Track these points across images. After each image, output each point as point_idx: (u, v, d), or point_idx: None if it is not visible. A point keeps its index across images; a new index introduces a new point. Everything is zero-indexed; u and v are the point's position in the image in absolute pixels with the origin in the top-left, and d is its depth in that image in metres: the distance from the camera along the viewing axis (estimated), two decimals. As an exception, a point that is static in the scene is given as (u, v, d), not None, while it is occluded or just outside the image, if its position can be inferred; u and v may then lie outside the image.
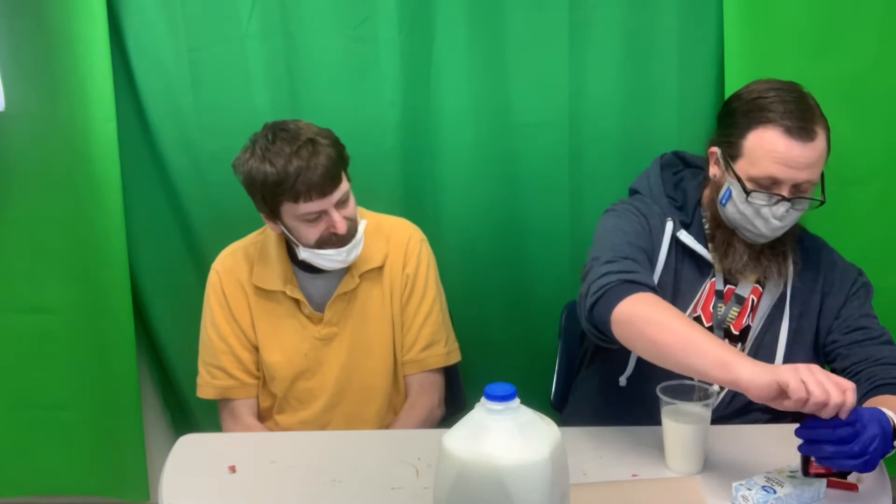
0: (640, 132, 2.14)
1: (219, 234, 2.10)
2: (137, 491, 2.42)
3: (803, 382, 1.26)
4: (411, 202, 2.21)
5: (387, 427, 1.91)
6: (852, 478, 1.40)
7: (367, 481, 1.49)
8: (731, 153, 1.62)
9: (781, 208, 1.57)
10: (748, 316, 1.70)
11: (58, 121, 2.12)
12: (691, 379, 1.47)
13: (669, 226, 1.70)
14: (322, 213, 1.72)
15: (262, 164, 1.69)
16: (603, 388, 1.82)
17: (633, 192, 1.81)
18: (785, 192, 1.57)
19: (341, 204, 1.74)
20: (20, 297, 2.26)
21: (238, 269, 1.86)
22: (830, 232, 1.85)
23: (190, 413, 2.43)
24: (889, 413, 1.36)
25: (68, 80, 2.08)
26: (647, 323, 1.45)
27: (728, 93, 1.96)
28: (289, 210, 1.71)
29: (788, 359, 1.69)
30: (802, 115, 1.55)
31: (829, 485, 1.40)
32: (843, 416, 1.28)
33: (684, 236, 1.69)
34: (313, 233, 1.74)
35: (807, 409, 1.29)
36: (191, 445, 1.65)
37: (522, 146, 2.18)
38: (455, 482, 1.11)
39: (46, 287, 2.24)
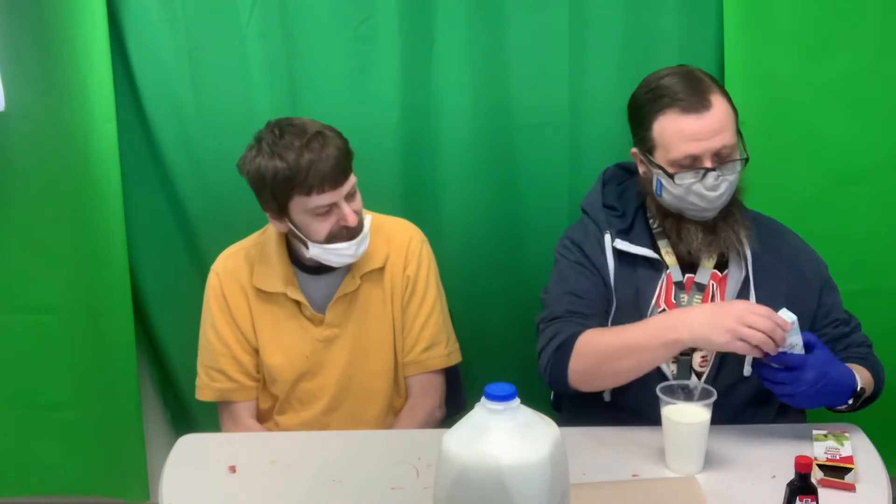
0: (640, 132, 2.14)
1: (219, 234, 2.10)
2: (137, 491, 2.42)
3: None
4: (411, 202, 2.21)
5: (387, 428, 1.90)
6: (850, 478, 1.40)
7: (367, 481, 1.50)
8: (647, 148, 1.67)
9: (710, 179, 1.61)
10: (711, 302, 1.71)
11: (58, 121, 2.12)
12: (689, 378, 1.46)
13: (607, 239, 1.73)
14: (333, 206, 1.72)
15: (271, 160, 1.68)
16: (591, 402, 1.81)
17: (582, 209, 1.84)
18: (708, 164, 1.61)
19: (350, 197, 1.75)
20: (20, 297, 2.26)
21: (238, 271, 1.86)
22: (830, 232, 1.85)
23: (190, 413, 2.42)
24: (858, 377, 1.54)
25: (68, 80, 2.08)
26: (598, 364, 1.60)
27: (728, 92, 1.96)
28: (299, 205, 1.71)
29: None
30: (693, 89, 1.61)
31: (827, 485, 1.40)
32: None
33: (620, 244, 1.72)
34: (324, 227, 1.73)
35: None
36: (191, 445, 1.65)
37: (522, 146, 2.18)
38: (455, 482, 1.11)
39: (46, 287, 2.24)
